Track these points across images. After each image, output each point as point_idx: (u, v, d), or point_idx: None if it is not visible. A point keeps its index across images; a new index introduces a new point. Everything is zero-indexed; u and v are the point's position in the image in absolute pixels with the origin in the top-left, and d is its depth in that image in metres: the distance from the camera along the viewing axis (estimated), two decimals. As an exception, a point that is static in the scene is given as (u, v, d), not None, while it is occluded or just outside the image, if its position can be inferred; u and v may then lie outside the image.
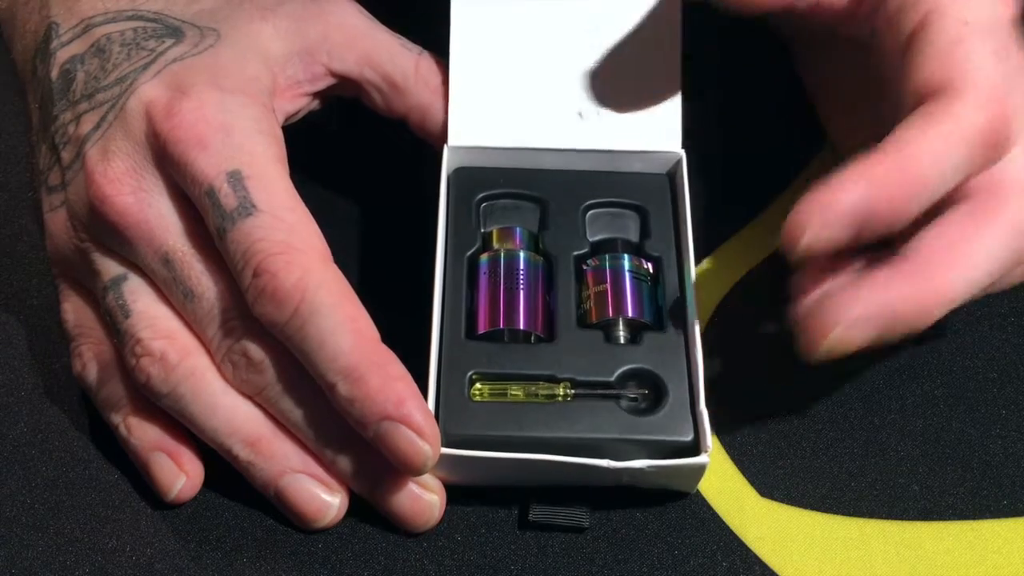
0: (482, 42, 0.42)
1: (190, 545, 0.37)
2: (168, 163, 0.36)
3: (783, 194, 0.47)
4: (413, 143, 0.43)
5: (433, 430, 0.34)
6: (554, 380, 0.37)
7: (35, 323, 0.43)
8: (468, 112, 0.41)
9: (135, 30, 0.38)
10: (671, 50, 0.42)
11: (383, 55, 0.41)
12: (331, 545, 0.37)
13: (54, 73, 0.39)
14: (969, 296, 0.33)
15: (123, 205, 0.36)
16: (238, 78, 0.38)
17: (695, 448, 0.35)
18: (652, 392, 0.37)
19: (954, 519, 0.37)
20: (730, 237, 0.46)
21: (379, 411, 0.33)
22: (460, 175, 0.42)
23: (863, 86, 0.40)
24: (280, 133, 0.38)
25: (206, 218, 0.35)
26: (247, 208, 0.34)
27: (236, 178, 0.35)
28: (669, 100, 0.41)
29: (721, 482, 0.38)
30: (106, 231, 0.36)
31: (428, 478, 0.36)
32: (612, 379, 0.37)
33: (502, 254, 0.40)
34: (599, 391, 0.36)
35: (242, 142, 0.36)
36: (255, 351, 0.35)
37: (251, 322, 0.35)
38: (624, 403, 0.36)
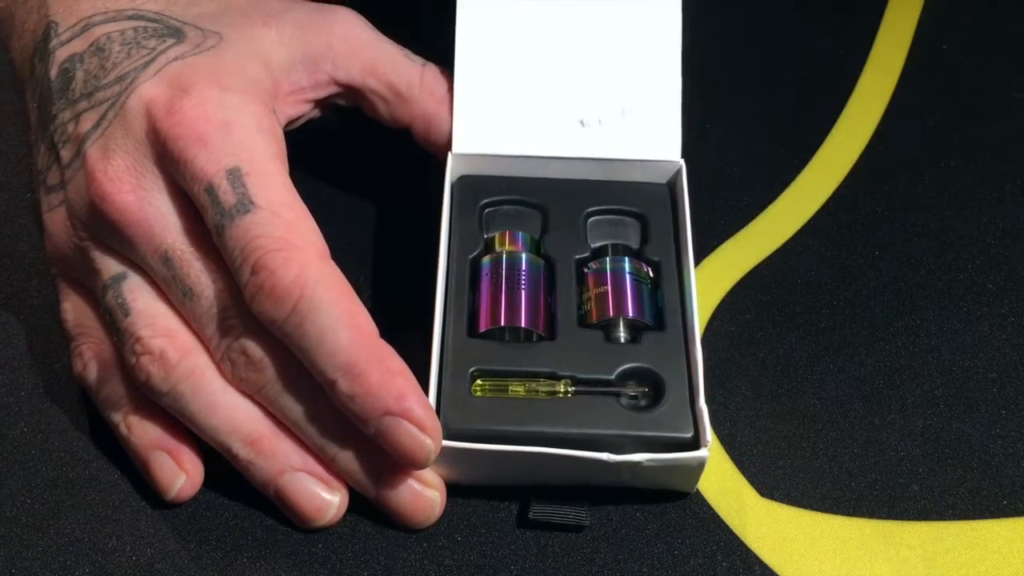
0: (486, 52, 0.42)
1: (190, 545, 0.36)
2: (168, 161, 0.36)
3: (783, 195, 0.48)
4: (418, 147, 0.43)
5: (434, 423, 0.34)
6: (555, 377, 0.37)
7: (35, 323, 0.43)
8: (472, 120, 0.42)
9: (135, 29, 0.38)
10: (671, 61, 0.42)
11: (387, 65, 0.41)
12: (331, 545, 0.36)
13: (53, 72, 0.39)
14: None
15: (123, 203, 0.36)
16: (239, 78, 0.38)
17: (695, 444, 0.35)
18: (652, 390, 0.37)
19: (954, 519, 0.37)
20: (728, 239, 0.46)
21: (380, 406, 0.33)
22: (464, 182, 0.42)
23: None
24: (280, 132, 0.38)
25: (205, 215, 0.35)
26: (246, 205, 0.34)
27: (235, 175, 0.35)
28: (669, 110, 0.42)
29: (721, 482, 0.38)
30: (106, 229, 0.36)
31: (429, 475, 0.36)
32: (612, 377, 0.37)
33: (504, 255, 0.40)
34: (599, 389, 0.37)
35: (242, 139, 0.36)
36: (254, 349, 0.35)
37: (250, 320, 0.35)
38: (624, 401, 0.36)
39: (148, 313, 0.36)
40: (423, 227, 0.43)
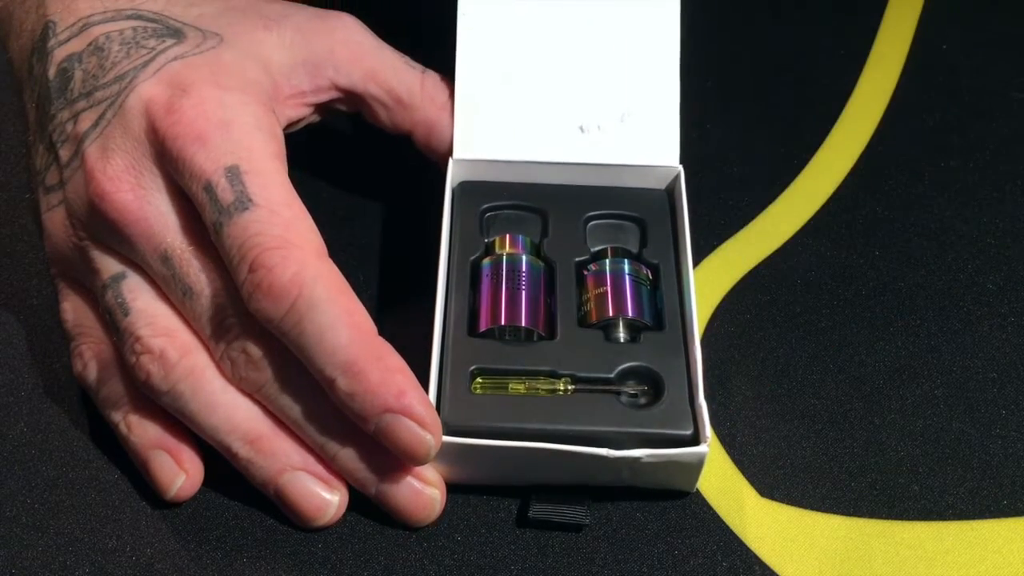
0: (486, 59, 0.43)
1: (190, 545, 0.36)
2: (167, 159, 0.36)
3: (783, 195, 0.48)
4: (418, 154, 0.44)
5: (434, 419, 0.34)
6: (555, 376, 0.37)
7: (35, 323, 0.43)
8: (473, 126, 0.42)
9: (135, 29, 0.38)
10: (669, 68, 0.43)
11: (388, 71, 0.41)
12: (331, 545, 0.36)
13: (51, 72, 0.39)
14: None
15: (122, 202, 0.36)
16: (239, 78, 0.38)
17: (695, 441, 0.35)
18: (651, 388, 0.37)
19: (954, 519, 0.37)
20: (728, 239, 0.46)
21: (380, 404, 0.33)
22: (464, 188, 0.43)
23: None
24: (279, 132, 0.38)
25: (203, 213, 0.35)
26: (244, 203, 0.34)
27: (234, 173, 0.35)
28: (668, 116, 0.42)
29: (721, 482, 0.38)
30: (105, 229, 0.36)
31: (429, 473, 0.36)
32: (612, 376, 0.37)
33: (505, 257, 0.40)
34: (599, 387, 0.37)
35: (241, 138, 0.36)
36: (254, 348, 0.35)
37: (250, 319, 0.35)
38: (624, 399, 0.37)
39: (148, 312, 0.36)
40: (424, 228, 0.43)
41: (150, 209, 0.36)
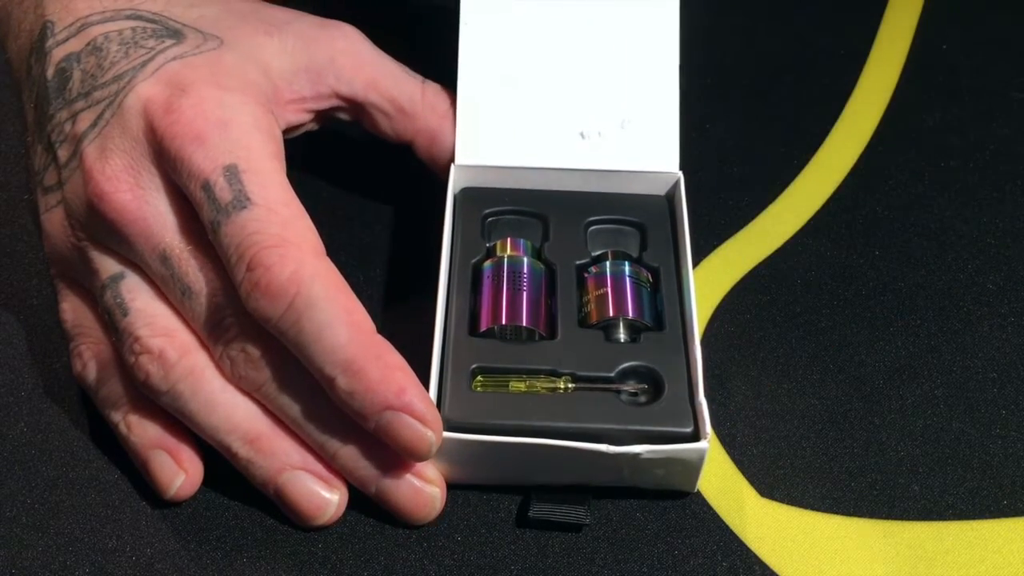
0: (488, 66, 0.43)
1: (190, 545, 0.36)
2: (165, 159, 0.36)
3: (783, 195, 0.48)
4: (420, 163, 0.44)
5: (435, 416, 0.34)
6: (555, 375, 0.37)
7: (35, 323, 0.43)
8: (475, 132, 0.43)
9: (133, 29, 0.38)
10: (669, 75, 0.43)
11: (389, 80, 0.42)
12: (331, 545, 0.36)
13: (49, 72, 0.39)
14: None
15: (121, 202, 0.36)
16: (239, 79, 0.38)
17: (695, 438, 0.35)
18: (651, 387, 0.37)
19: (954, 519, 0.37)
20: (728, 239, 0.46)
21: (380, 402, 0.33)
22: (466, 194, 0.43)
23: None
24: (278, 133, 0.38)
25: (201, 213, 0.35)
26: (242, 201, 0.34)
27: (232, 172, 0.35)
28: (668, 122, 0.43)
29: (721, 482, 0.38)
30: (104, 229, 0.36)
31: (429, 471, 0.36)
32: (612, 375, 0.37)
33: (506, 259, 0.41)
34: (599, 386, 0.37)
35: (239, 137, 0.36)
36: (253, 347, 0.35)
37: (248, 318, 0.34)
38: (624, 397, 0.37)
39: (146, 312, 0.36)
40: (425, 229, 0.43)
41: (149, 209, 0.36)
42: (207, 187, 0.35)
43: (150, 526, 0.37)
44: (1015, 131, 0.50)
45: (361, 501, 0.37)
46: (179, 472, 0.37)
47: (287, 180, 0.36)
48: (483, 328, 0.38)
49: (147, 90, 0.37)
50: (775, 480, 0.38)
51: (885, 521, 0.37)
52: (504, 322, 0.38)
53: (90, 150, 0.37)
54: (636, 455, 0.35)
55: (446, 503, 0.37)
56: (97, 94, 0.37)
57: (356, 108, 0.42)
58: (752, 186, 0.48)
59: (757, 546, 0.36)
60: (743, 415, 0.40)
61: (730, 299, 0.44)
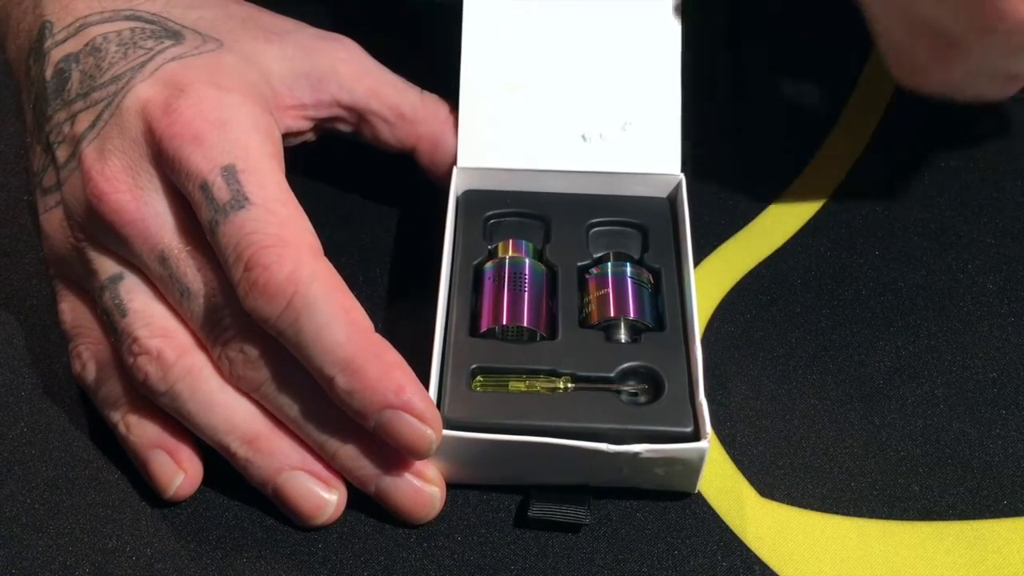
0: (490, 69, 0.43)
1: (190, 545, 0.36)
2: (164, 160, 0.36)
3: (782, 195, 0.48)
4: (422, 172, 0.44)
5: (434, 414, 0.34)
6: (555, 375, 0.37)
7: (35, 323, 0.43)
8: (477, 135, 0.43)
9: (132, 30, 0.38)
10: (671, 78, 0.43)
11: (390, 88, 0.42)
12: (331, 545, 0.36)
13: (48, 72, 0.39)
14: None
15: (120, 203, 0.36)
16: (238, 80, 0.38)
17: (695, 438, 0.35)
18: (651, 387, 0.37)
19: (954, 519, 0.37)
20: (728, 240, 0.46)
21: (379, 401, 0.33)
22: (469, 196, 0.43)
23: None
24: (277, 134, 0.38)
25: (199, 213, 0.35)
26: (240, 201, 0.34)
27: (230, 172, 0.35)
28: (669, 125, 0.43)
29: (721, 482, 0.38)
30: (102, 229, 0.36)
31: (429, 470, 0.36)
32: (612, 375, 0.37)
33: (508, 260, 0.41)
34: (599, 385, 0.37)
35: (238, 137, 0.36)
36: (251, 347, 0.35)
37: (247, 318, 0.35)
38: (624, 397, 0.37)
39: (145, 313, 0.36)
40: (425, 230, 0.43)
41: (147, 210, 0.36)
42: (205, 187, 0.35)
43: (150, 526, 0.37)
44: (1015, 131, 0.50)
45: (361, 501, 0.37)
46: (178, 471, 0.37)
47: (285, 180, 0.36)
48: (484, 328, 0.38)
49: (146, 91, 0.37)
50: (775, 480, 0.38)
51: (885, 521, 0.37)
52: (505, 322, 0.38)
53: (89, 151, 0.37)
54: (636, 454, 0.35)
55: (446, 503, 0.37)
56: (96, 95, 0.37)
57: (357, 117, 0.42)
58: (752, 186, 0.48)
59: (757, 546, 0.36)
60: (743, 415, 0.40)
61: (730, 299, 0.44)
